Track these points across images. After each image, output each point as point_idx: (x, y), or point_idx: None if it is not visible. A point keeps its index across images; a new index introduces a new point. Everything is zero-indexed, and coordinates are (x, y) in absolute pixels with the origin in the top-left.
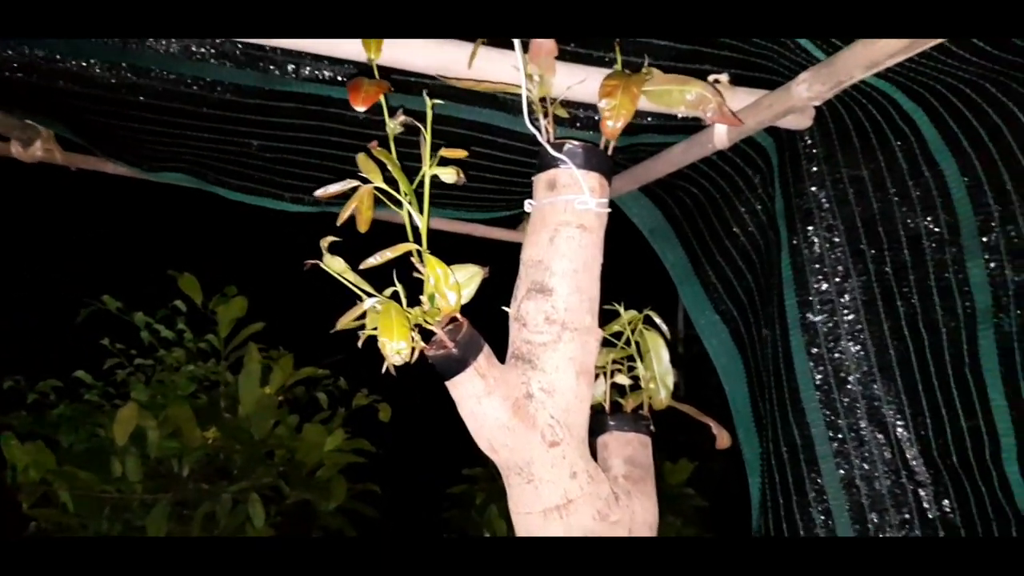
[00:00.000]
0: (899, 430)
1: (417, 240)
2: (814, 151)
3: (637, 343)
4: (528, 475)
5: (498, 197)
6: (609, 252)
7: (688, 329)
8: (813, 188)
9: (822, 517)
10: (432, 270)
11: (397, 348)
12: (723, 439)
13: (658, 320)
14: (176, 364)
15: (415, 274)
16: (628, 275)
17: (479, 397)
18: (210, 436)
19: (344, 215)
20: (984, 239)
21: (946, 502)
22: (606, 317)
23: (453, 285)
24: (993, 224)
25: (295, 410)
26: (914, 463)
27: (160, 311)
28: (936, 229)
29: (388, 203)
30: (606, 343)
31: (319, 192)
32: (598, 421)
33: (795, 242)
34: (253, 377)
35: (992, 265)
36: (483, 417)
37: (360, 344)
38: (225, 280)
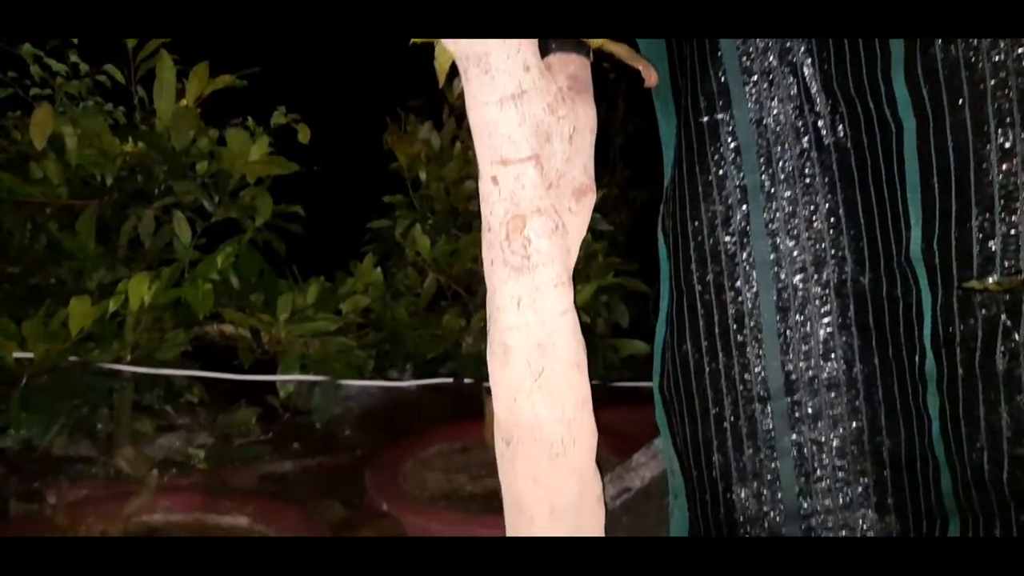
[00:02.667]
0: (805, 68)
1: None
2: None
3: None
4: (486, 65)
5: None
6: None
7: None
8: None
9: (732, 154)
10: None
11: None
12: (651, 78)
13: None
14: (77, 95)
15: None
16: None
17: None
18: (129, 148)
19: None
20: None
21: (840, 127)
22: None
23: None
24: None
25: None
26: (816, 96)
27: (50, 42)
28: None
29: None
30: None
31: None
32: (542, 46)
33: None
34: (168, 87)
35: None
36: None
37: None
38: None
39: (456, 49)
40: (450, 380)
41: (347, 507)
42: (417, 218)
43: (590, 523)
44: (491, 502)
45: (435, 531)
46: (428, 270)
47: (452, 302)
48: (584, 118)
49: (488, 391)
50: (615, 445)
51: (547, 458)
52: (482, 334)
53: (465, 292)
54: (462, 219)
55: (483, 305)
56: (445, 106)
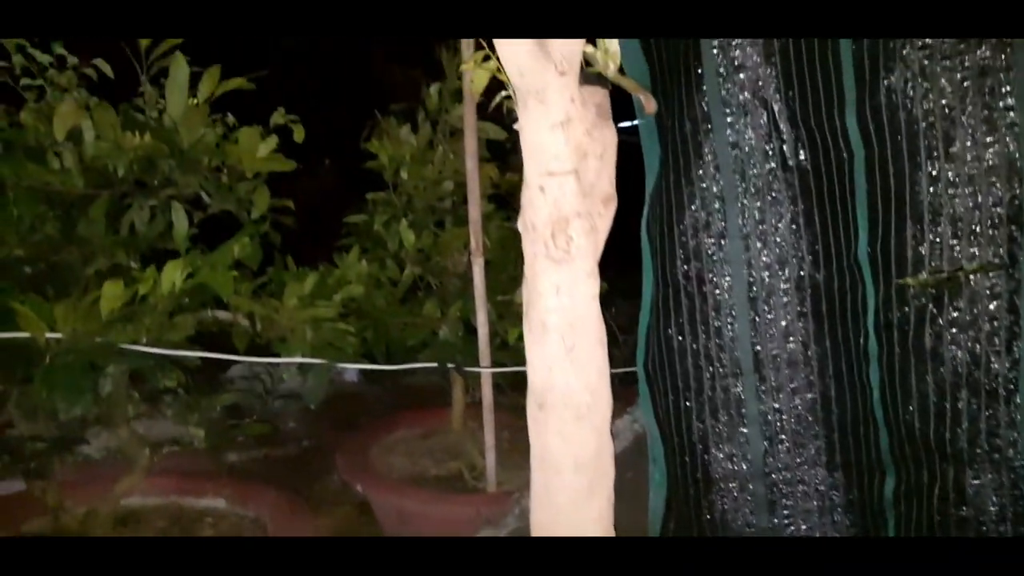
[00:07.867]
0: (775, 104)
1: None
2: None
3: None
4: (543, 97)
5: None
6: None
7: None
8: None
9: (712, 170)
10: None
11: None
12: (650, 106)
13: None
14: (67, 87)
15: None
16: None
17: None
18: (139, 142)
19: None
20: None
21: (802, 152)
22: None
23: None
24: None
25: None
26: (783, 126)
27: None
28: None
29: None
30: None
31: None
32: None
33: None
34: (180, 84)
35: None
36: (513, 53)
37: None
38: None
39: (520, 83)
40: (433, 365)
41: (320, 489)
42: (397, 213)
43: (604, 474)
44: (455, 484)
45: (410, 510)
46: (407, 262)
47: (427, 293)
48: (609, 139)
49: (459, 375)
50: None
51: (574, 419)
52: (456, 323)
53: (438, 284)
54: (437, 215)
55: (455, 295)
56: (420, 111)
